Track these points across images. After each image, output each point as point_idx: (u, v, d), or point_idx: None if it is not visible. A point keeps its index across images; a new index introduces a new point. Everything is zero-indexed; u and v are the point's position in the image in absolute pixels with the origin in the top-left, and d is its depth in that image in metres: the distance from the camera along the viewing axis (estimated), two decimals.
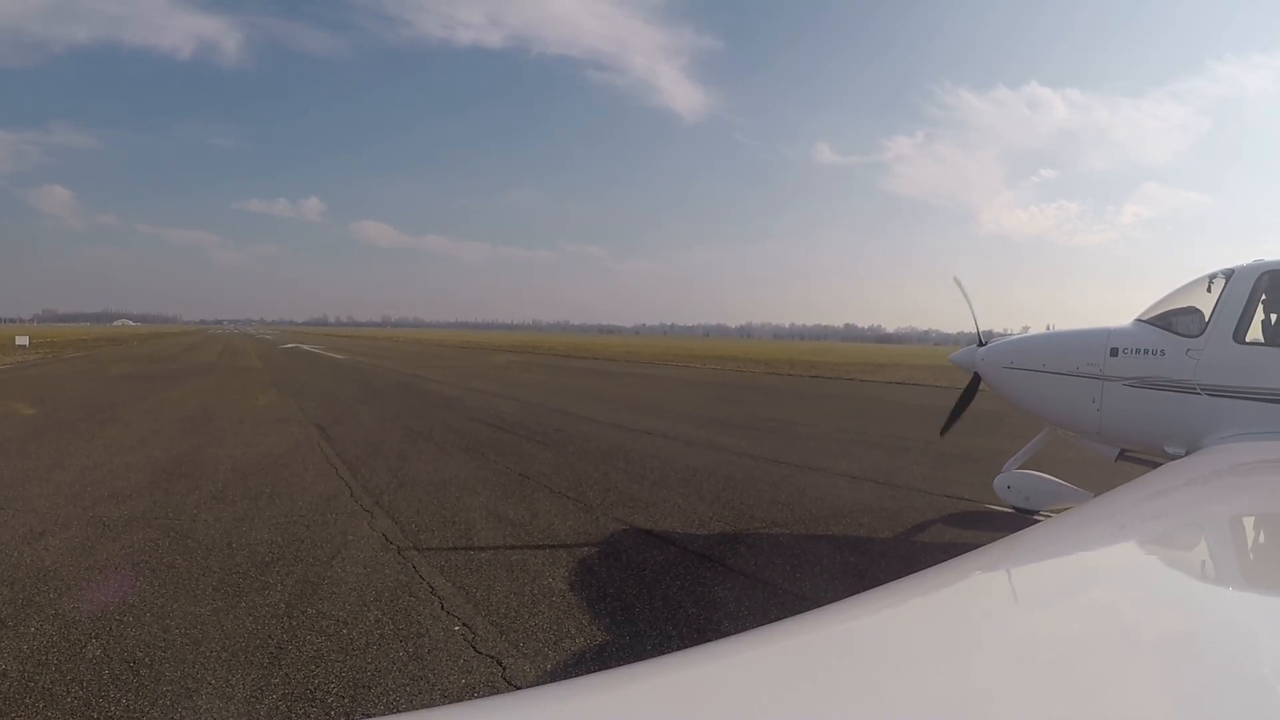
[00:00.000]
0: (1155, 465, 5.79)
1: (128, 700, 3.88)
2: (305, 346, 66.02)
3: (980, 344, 8.15)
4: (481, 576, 5.93)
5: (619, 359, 53.84)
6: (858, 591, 1.88)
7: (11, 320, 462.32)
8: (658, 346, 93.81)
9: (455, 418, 16.11)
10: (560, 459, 11.23)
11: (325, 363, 40.47)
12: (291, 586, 5.57)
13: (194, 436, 12.68)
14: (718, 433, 14.90)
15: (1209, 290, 5.92)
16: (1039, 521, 5.75)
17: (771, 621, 1.68)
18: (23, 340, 53.62)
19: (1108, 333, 6.49)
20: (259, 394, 20.99)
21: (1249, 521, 3.26)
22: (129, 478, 9.19)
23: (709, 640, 1.58)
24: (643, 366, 44.34)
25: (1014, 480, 8.07)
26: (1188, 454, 5.50)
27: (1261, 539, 2.94)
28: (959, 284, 8.58)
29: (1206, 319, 5.82)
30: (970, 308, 8.48)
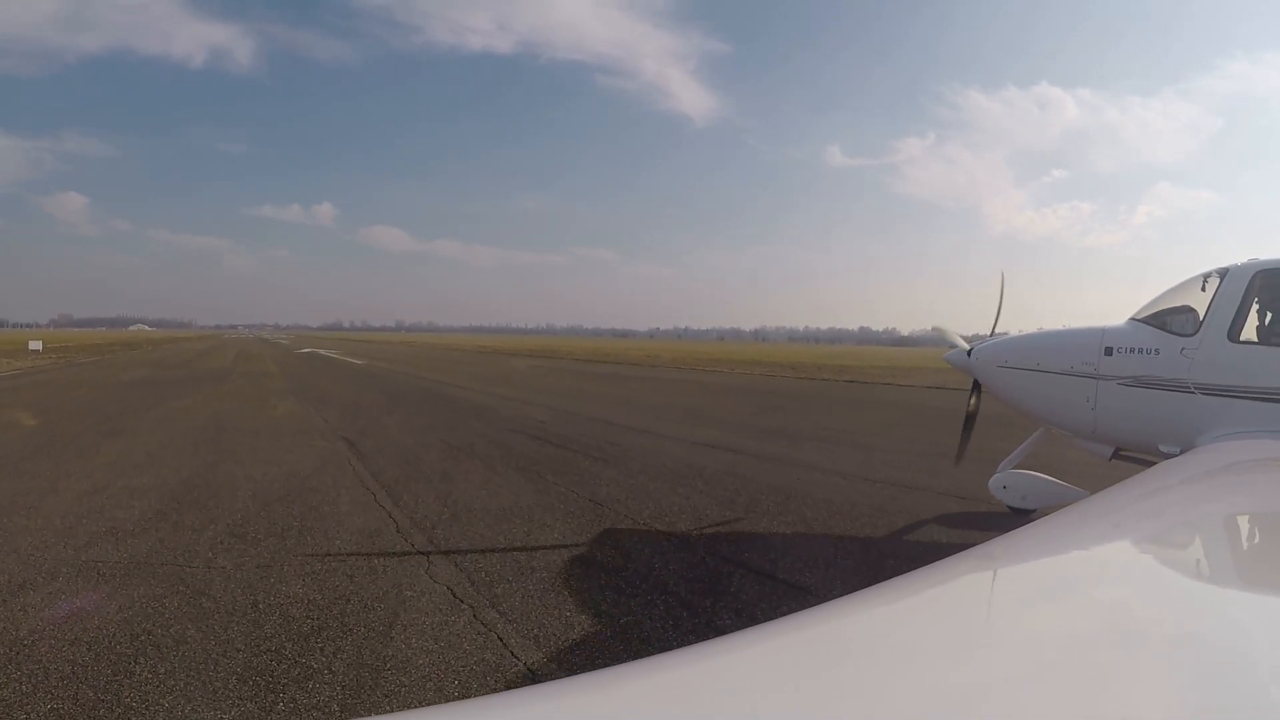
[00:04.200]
0: (1150, 464, 5.75)
1: None
2: (321, 351, 64.81)
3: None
4: (591, 648, 4.47)
5: (641, 363, 52.37)
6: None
7: (28, 325, 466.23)
8: (676, 350, 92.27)
9: (493, 429, 14.65)
10: (628, 480, 9.75)
11: (343, 368, 39.15)
12: (343, 673, 4.12)
13: (208, 452, 11.27)
14: (783, 445, 13.39)
15: (1203, 289, 5.87)
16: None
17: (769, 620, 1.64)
18: (36, 345, 52.79)
19: (1102, 332, 6.41)
20: (277, 402, 19.60)
21: (1243, 520, 3.21)
22: (132, 506, 7.77)
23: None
24: (669, 371, 42.84)
25: (1009, 480, 7.87)
26: (1182, 453, 5.45)
27: (1255, 537, 2.89)
28: (1001, 283, 8.40)
29: (1201, 318, 5.77)
30: (997, 313, 8.32)
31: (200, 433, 13.38)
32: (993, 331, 8.26)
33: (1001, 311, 8.30)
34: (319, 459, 10.80)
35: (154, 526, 7.03)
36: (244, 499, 8.19)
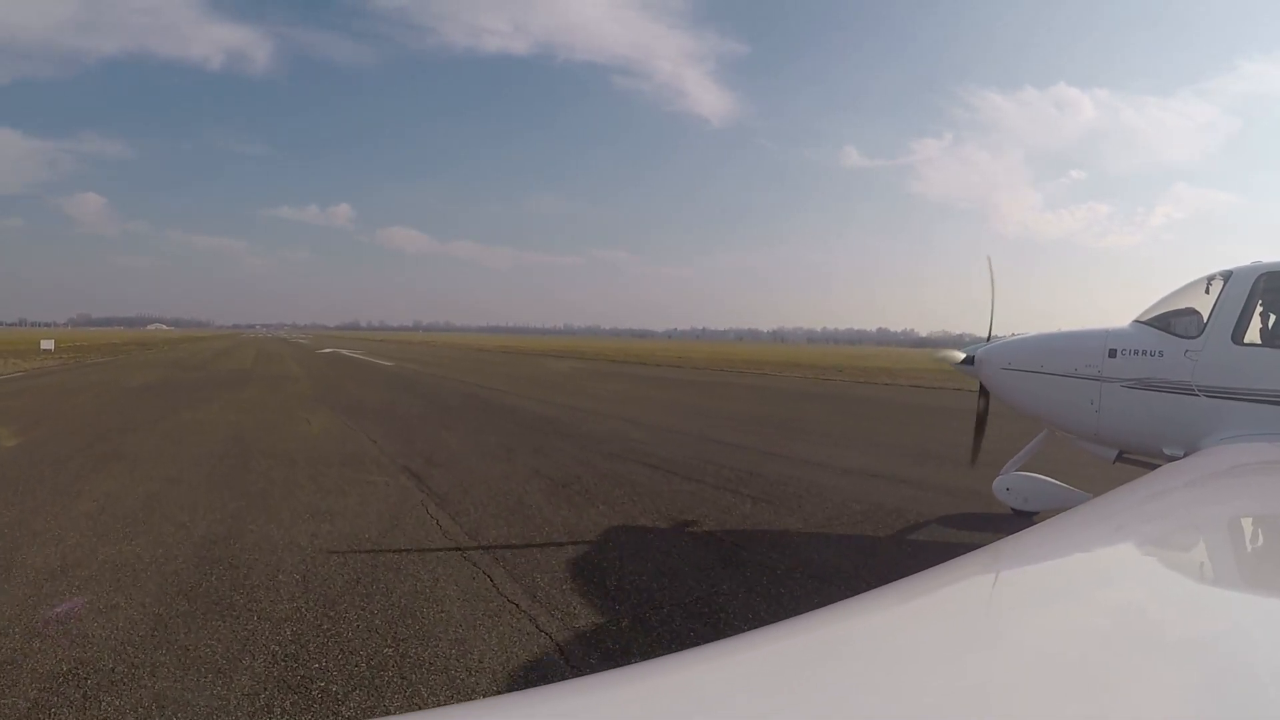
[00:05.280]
0: (1153, 467, 5.63)
1: None
2: (344, 352, 62.07)
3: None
4: None
5: (681, 365, 49.39)
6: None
7: (47, 324, 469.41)
8: (705, 351, 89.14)
9: (588, 453, 11.62)
10: (825, 533, 6.78)
11: (372, 371, 36.29)
12: None
13: (229, 494, 8.33)
14: (951, 472, 10.40)
15: (1207, 292, 5.74)
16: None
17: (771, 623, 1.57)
18: (47, 344, 50.67)
19: (1106, 334, 6.32)
20: (309, 414, 16.67)
21: (1247, 523, 3.15)
22: (116, 608, 4.81)
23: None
24: (715, 374, 39.82)
25: (1013, 482, 7.80)
26: (1186, 455, 5.33)
27: (1260, 540, 2.81)
28: (990, 268, 8.31)
29: (1205, 320, 5.65)
30: (992, 300, 8.16)
31: (218, 461, 10.44)
32: (989, 334, 8.03)
33: (995, 304, 8.12)
34: (385, 507, 7.82)
35: (148, 659, 4.07)
36: (290, 590, 5.22)
